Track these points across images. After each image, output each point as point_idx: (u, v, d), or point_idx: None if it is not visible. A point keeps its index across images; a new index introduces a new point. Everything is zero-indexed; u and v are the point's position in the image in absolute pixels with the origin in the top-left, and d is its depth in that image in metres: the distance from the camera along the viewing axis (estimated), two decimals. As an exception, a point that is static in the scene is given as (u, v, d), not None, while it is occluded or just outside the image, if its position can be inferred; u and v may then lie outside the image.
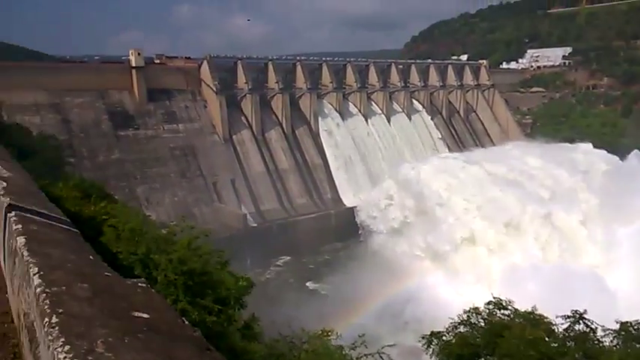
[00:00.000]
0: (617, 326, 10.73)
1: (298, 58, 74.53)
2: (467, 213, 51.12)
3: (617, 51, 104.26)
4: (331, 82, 73.14)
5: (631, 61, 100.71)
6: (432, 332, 11.86)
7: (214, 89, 60.59)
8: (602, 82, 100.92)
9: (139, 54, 57.19)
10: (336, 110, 71.99)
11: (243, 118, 63.24)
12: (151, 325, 3.01)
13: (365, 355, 10.90)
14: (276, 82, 66.82)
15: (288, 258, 54.98)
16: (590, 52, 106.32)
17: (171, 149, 55.87)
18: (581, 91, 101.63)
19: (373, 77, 79.45)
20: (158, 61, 63.38)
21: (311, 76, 71.77)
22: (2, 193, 6.34)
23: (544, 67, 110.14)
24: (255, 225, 54.96)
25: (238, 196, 56.82)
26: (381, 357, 10.94)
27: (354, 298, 43.92)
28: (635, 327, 10.49)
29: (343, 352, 10.95)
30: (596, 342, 10.51)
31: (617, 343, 10.47)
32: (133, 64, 56.74)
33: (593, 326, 10.74)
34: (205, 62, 62.05)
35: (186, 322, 3.41)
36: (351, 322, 40.37)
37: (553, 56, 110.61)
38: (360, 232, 58.93)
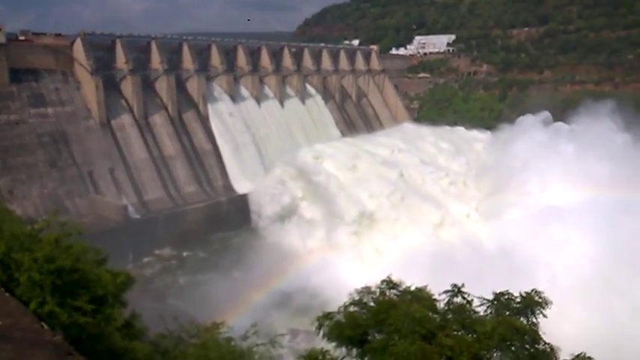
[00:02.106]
0: (492, 297, 10.98)
1: (185, 37, 70.47)
2: (362, 196, 51.83)
3: (496, 39, 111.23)
4: (221, 64, 70.21)
5: (507, 49, 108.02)
6: (324, 314, 11.21)
7: (89, 69, 55.33)
8: (482, 69, 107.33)
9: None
10: (226, 93, 69.30)
11: (123, 101, 58.52)
12: (2, 334, 2.83)
13: (257, 344, 10.73)
14: (161, 63, 62.65)
15: (176, 250, 52.17)
16: (472, 40, 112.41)
17: (39, 136, 50.21)
18: (463, 77, 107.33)
19: (266, 60, 77.59)
20: (23, 38, 56.53)
21: (199, 56, 68.33)
22: None
23: (430, 53, 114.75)
24: (138, 217, 51.32)
25: (118, 186, 52.63)
26: (273, 346, 10.87)
27: (247, 286, 42.84)
28: (506, 297, 10.78)
29: (233, 344, 10.67)
30: (472, 313, 10.77)
31: (491, 312, 10.75)
32: (-8, 41, 50.04)
33: (469, 298, 10.93)
34: (79, 40, 56.37)
35: (46, 327, 3.37)
36: (245, 312, 39.41)
37: (438, 43, 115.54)
38: (252, 220, 57.47)
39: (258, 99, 72.89)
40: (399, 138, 66.02)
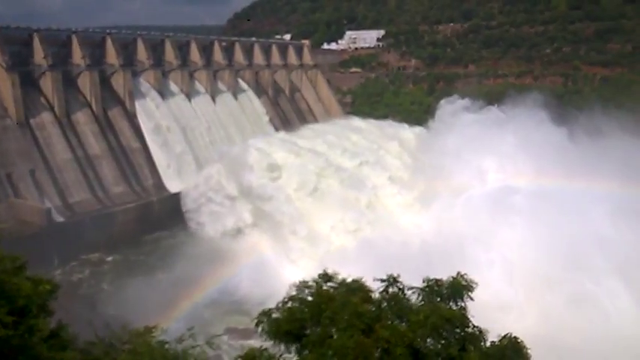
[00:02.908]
0: (423, 285, 11.42)
1: (108, 30, 67.35)
2: (298, 191, 51.75)
3: (423, 35, 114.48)
4: (148, 59, 67.75)
5: (434, 44, 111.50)
6: (262, 311, 11.27)
7: (4, 65, 51.69)
8: (411, 64, 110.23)
9: None
10: (155, 89, 66.96)
11: (42, 98, 55.16)
12: None
13: (192, 347, 10.41)
14: (83, 58, 59.58)
15: (106, 253, 50.02)
16: (401, 36, 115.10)
17: (-52, 137, 46.53)
18: (393, 71, 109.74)
19: (195, 54, 75.74)
20: None
21: (124, 51, 65.60)
22: None
23: (361, 48, 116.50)
24: (63, 220, 48.69)
25: (40, 188, 49.62)
26: (210, 346, 10.65)
27: (183, 288, 41.73)
28: (435, 283, 11.23)
29: (167, 348, 10.30)
30: (406, 302, 11.12)
31: (422, 299, 11.14)
32: None
33: (403, 287, 11.30)
34: (-10, 33, 52.65)
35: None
36: (181, 314, 38.45)
37: (369, 38, 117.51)
38: (186, 219, 56.03)
39: (189, 95, 71.05)
40: (332, 132, 66.35)
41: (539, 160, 52.05)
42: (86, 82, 58.83)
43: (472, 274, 11.87)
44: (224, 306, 41.95)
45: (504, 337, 10.82)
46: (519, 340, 10.67)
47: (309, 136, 64.67)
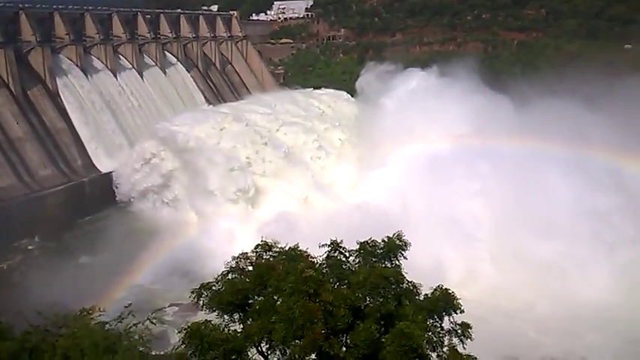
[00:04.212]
0: (357, 247, 12.07)
1: (21, 5, 62.99)
2: (236, 162, 51.74)
3: (350, 4, 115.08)
4: (67, 34, 64.25)
5: (362, 14, 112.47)
6: (202, 284, 11.53)
7: None
8: (340, 34, 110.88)
9: None
10: (77, 66, 63.87)
11: (-48, 79, 51.45)
12: None
13: (134, 324, 10.38)
14: (-6, 35, 55.78)
15: (38, 239, 48.18)
16: (329, 5, 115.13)
17: None
18: (323, 41, 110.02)
19: (118, 28, 72.54)
20: None
21: (40, 26, 61.70)
22: None
23: (290, 18, 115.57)
24: (-14, 207, 46.36)
25: (-42, 175, 46.85)
26: (152, 322, 10.62)
27: (121, 268, 41.22)
28: (371, 244, 11.92)
29: (107, 328, 10.30)
30: (346, 265, 11.70)
31: (359, 261, 11.77)
32: None
33: (344, 252, 11.86)
34: None
35: None
36: (122, 294, 38.10)
37: (297, 8, 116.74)
38: (120, 199, 54.81)
39: (114, 70, 68.29)
40: (265, 104, 66.15)
41: (481, 121, 53.24)
42: (1, 61, 55.16)
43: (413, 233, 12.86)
44: (166, 281, 41.89)
45: (436, 289, 12.00)
46: (450, 292, 11.77)
47: (242, 108, 64.31)
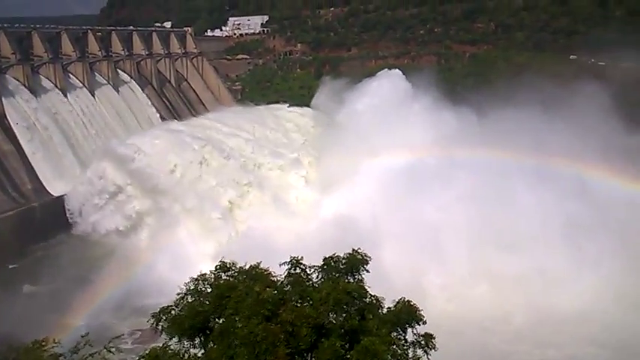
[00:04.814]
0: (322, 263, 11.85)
1: (-37, 24, 60.72)
2: (198, 182, 50.80)
3: (306, 20, 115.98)
4: (13, 54, 62.05)
5: (318, 29, 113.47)
6: (161, 308, 11.17)
7: None
8: (297, 49, 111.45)
9: None
10: (24, 86, 61.60)
11: None
12: None
13: (90, 354, 10.19)
14: None
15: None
16: (284, 21, 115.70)
17: None
18: (280, 57, 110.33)
19: (68, 46, 70.68)
20: None
21: (-17, 46, 59.57)
22: None
23: (246, 34, 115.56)
24: None
25: None
26: (109, 350, 10.42)
27: (75, 296, 39.43)
28: (334, 260, 11.73)
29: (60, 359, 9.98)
30: (308, 282, 11.47)
31: (322, 277, 11.57)
32: None
33: (305, 268, 11.67)
34: None
35: None
36: (79, 322, 36.38)
37: (253, 24, 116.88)
38: (73, 223, 52.79)
39: (64, 90, 66.23)
40: (220, 120, 65.53)
41: (446, 132, 53.61)
42: (-60, 82, 52.72)
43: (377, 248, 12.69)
44: (124, 308, 40.34)
45: (399, 301, 11.88)
46: (412, 304, 11.73)
47: (198, 124, 63.43)
